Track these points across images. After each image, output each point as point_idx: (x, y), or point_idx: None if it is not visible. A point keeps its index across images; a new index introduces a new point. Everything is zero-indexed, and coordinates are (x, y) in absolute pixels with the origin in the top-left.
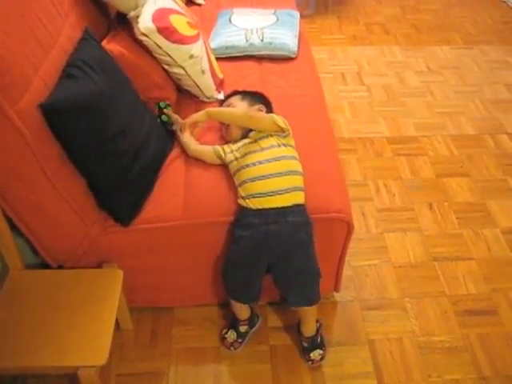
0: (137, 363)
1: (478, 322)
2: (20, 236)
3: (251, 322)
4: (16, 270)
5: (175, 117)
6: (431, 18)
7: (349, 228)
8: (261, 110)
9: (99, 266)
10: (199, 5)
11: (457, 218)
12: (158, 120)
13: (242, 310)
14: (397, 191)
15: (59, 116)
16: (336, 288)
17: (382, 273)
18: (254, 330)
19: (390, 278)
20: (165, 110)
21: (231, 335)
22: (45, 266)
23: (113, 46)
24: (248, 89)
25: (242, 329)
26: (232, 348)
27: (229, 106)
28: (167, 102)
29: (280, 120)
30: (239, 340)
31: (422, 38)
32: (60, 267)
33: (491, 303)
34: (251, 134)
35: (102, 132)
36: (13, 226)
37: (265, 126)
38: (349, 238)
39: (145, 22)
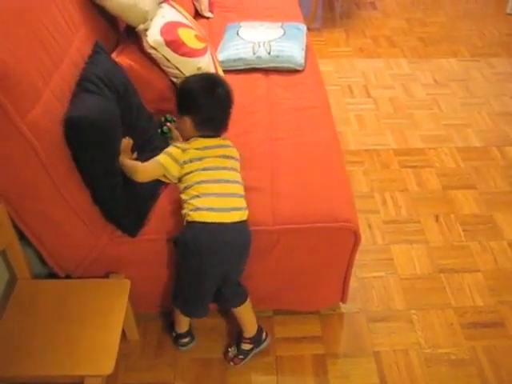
0: (143, 373)
1: (485, 334)
2: (28, 246)
3: (256, 340)
4: (24, 279)
5: (176, 133)
6: (438, 30)
7: (356, 238)
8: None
9: (106, 276)
10: (207, 18)
11: (463, 230)
12: (159, 130)
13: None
14: (403, 203)
15: (82, 130)
16: (343, 299)
17: (389, 285)
18: (260, 348)
19: (396, 289)
20: (167, 124)
21: (233, 350)
22: (53, 275)
23: (122, 58)
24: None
25: (244, 346)
26: (232, 363)
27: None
28: (173, 117)
29: (168, 164)
30: (240, 356)
31: (428, 50)
32: (68, 277)
33: (498, 315)
34: None
35: (113, 146)
36: (21, 236)
37: (154, 175)
38: (356, 247)
39: (153, 35)
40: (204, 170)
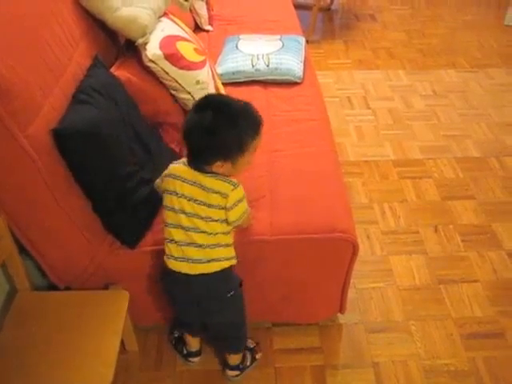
0: None
1: (484, 345)
2: (28, 258)
3: (241, 368)
4: (24, 291)
5: None
6: (437, 42)
7: (354, 248)
8: None
9: (105, 287)
10: (207, 31)
11: (462, 241)
12: None
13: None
14: (402, 214)
15: (70, 141)
16: (341, 309)
17: (387, 295)
18: (252, 367)
19: (394, 300)
20: None
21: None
22: (52, 287)
23: (121, 72)
24: None
25: (231, 373)
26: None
27: None
28: None
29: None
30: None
31: (427, 62)
32: (67, 288)
33: (497, 326)
34: None
35: (109, 156)
36: (22, 249)
37: None
38: (354, 258)
39: (152, 49)
40: (170, 210)
